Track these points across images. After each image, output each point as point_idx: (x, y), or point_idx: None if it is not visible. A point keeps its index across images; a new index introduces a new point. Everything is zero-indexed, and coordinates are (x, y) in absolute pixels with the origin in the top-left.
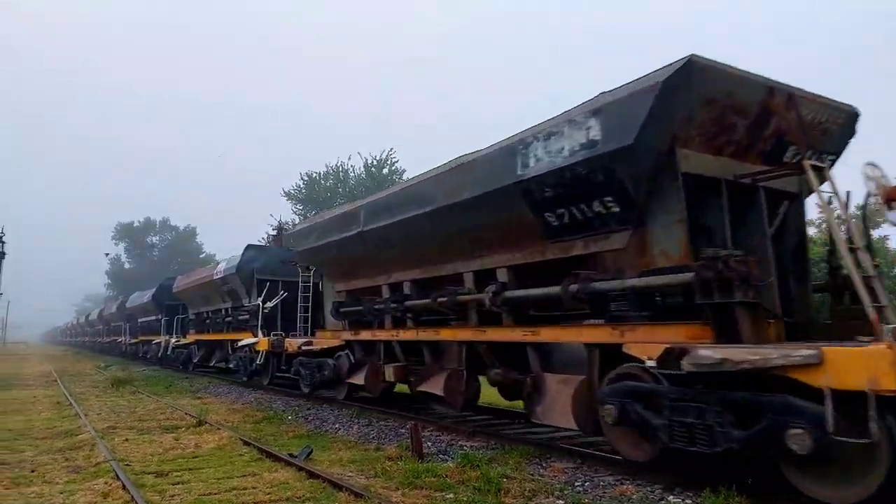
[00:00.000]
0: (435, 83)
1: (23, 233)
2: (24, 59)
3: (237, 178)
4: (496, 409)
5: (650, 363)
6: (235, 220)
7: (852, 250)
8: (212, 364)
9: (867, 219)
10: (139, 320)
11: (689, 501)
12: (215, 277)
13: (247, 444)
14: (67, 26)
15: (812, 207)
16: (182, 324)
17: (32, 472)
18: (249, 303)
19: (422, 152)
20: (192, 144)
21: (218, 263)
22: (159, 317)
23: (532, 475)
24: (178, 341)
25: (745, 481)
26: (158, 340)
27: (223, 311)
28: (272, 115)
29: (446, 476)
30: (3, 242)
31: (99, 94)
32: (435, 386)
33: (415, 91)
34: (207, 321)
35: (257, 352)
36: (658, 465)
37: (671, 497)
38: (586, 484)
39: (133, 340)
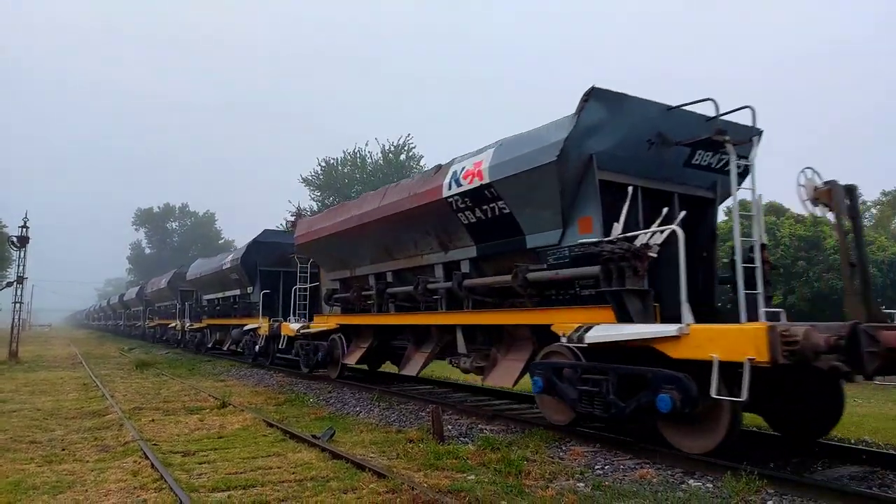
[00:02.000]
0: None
1: (46, 219)
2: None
3: (255, 164)
4: (515, 393)
5: None
6: (254, 206)
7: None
8: (408, 372)
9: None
10: (205, 298)
11: (710, 485)
12: (451, 193)
13: (270, 425)
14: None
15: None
16: (297, 300)
17: (63, 450)
18: (577, 238)
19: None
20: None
21: (443, 165)
22: (248, 290)
23: (552, 458)
24: (307, 328)
25: (767, 464)
26: (251, 326)
27: (459, 266)
28: (288, 104)
29: (467, 458)
30: (27, 228)
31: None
32: None
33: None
34: (389, 291)
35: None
36: None
37: (691, 481)
38: (606, 467)
39: (196, 325)
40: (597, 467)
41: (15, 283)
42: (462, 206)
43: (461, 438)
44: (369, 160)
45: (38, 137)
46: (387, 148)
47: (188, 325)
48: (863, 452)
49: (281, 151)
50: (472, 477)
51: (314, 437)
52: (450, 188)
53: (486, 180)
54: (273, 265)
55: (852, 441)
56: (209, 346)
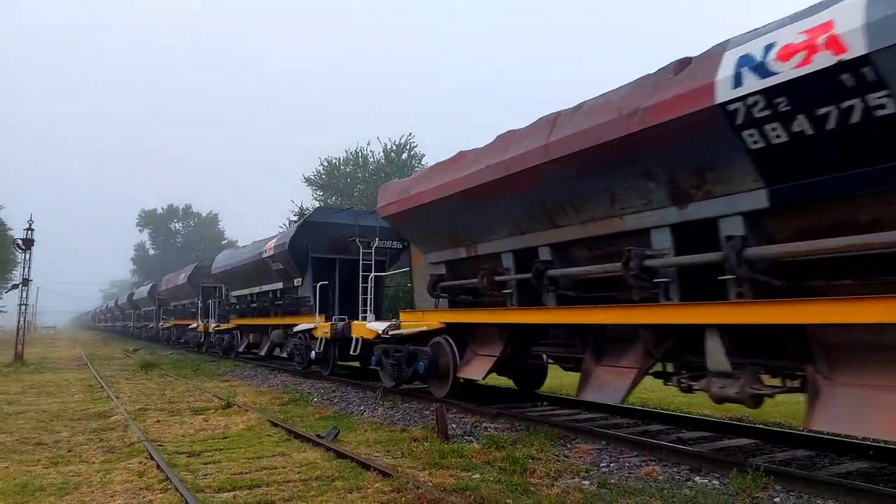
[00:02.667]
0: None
1: (51, 221)
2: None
3: (258, 165)
4: (515, 392)
5: None
6: (256, 206)
7: None
8: (602, 398)
9: None
10: (234, 294)
11: (716, 482)
12: (739, 94)
13: (275, 425)
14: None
15: None
16: (371, 292)
17: (69, 451)
18: None
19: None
20: (216, 134)
21: (699, 56)
22: (295, 283)
23: (557, 456)
24: (396, 328)
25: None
26: (304, 326)
27: (716, 226)
28: (291, 104)
29: (472, 457)
30: (32, 230)
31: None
32: None
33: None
34: (552, 275)
35: None
36: None
37: (697, 478)
38: (612, 465)
39: (223, 326)
40: (602, 465)
41: (20, 286)
42: (759, 115)
43: (466, 437)
44: (371, 159)
45: (38, 139)
46: (388, 147)
47: (213, 325)
48: (870, 448)
49: (283, 152)
50: (477, 475)
51: (319, 436)
52: (736, 84)
53: (855, 52)
54: (327, 251)
55: (859, 436)
56: (240, 350)
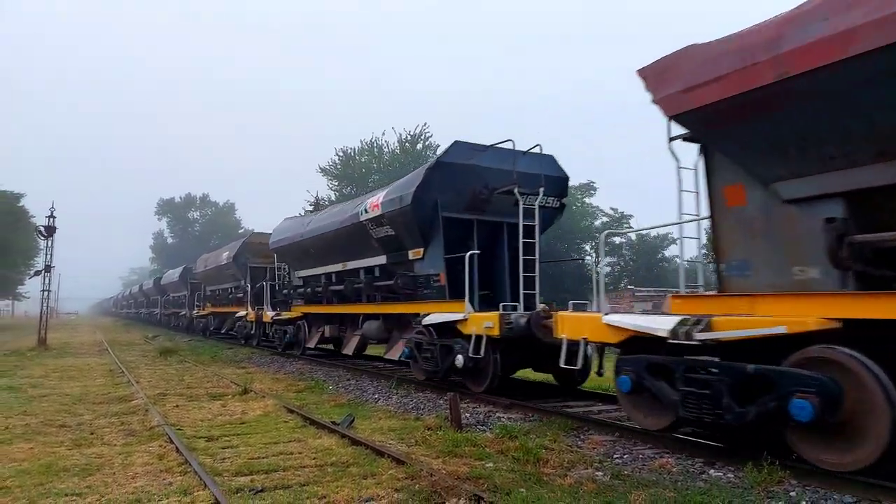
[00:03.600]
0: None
1: (71, 210)
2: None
3: (274, 154)
4: (531, 381)
5: None
6: (272, 195)
7: None
8: None
9: None
10: (299, 275)
11: (731, 475)
12: None
13: (291, 411)
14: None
15: None
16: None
17: (91, 434)
18: None
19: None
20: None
21: None
22: (411, 256)
23: (570, 446)
24: (707, 328)
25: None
26: (441, 317)
27: None
28: (308, 96)
29: (485, 446)
30: (54, 218)
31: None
32: None
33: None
34: None
35: None
36: None
37: (712, 471)
38: (625, 456)
39: (285, 315)
40: (615, 456)
41: (43, 272)
42: None
43: (479, 426)
44: (386, 149)
45: (50, 127)
46: (403, 137)
47: (272, 314)
48: None
49: (298, 142)
50: (491, 464)
51: (334, 423)
52: None
53: None
54: (463, 209)
55: None
56: (310, 346)
